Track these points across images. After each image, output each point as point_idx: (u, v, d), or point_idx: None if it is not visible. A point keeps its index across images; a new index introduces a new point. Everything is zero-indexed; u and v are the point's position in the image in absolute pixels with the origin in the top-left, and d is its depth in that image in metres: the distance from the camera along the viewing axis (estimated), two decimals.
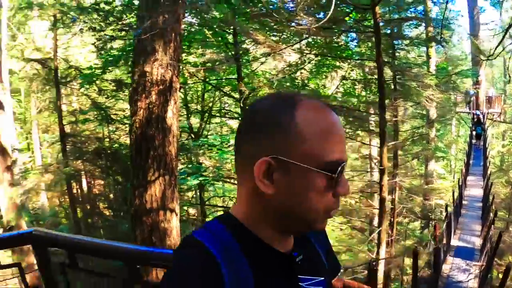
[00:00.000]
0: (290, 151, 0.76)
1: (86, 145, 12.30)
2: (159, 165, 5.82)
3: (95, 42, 9.62)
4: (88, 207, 15.24)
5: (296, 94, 0.83)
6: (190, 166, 8.20)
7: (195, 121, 11.64)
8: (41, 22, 10.56)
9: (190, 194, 13.62)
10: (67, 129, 12.69)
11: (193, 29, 8.62)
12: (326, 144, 0.77)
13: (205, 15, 7.57)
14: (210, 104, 11.44)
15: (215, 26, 7.48)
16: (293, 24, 6.18)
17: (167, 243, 5.79)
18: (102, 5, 8.33)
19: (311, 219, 0.80)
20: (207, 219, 11.34)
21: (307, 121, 0.77)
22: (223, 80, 10.12)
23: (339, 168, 0.77)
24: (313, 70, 10.92)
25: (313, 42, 8.94)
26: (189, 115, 11.15)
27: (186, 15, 8.08)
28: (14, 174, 11.19)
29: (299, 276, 0.87)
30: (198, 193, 11.53)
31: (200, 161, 7.57)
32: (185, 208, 11.32)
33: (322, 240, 1.05)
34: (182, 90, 10.27)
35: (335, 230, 14.31)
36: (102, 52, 9.57)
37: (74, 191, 16.07)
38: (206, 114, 11.00)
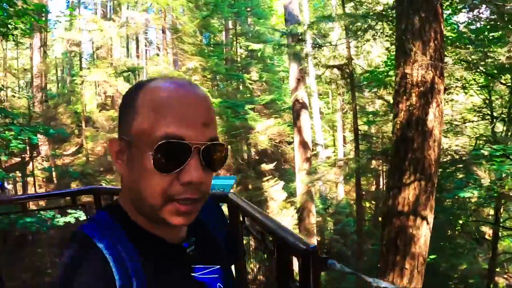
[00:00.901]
0: (129, 131, 0.72)
1: (376, 145, 12.93)
2: (416, 169, 5.68)
3: (388, 47, 10.02)
4: (375, 203, 15.80)
5: (161, 77, 0.77)
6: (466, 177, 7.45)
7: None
8: (340, 31, 11.67)
9: (490, 210, 12.18)
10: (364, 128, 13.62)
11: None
12: (153, 119, 0.69)
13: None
14: None
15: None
16: None
17: (411, 250, 5.58)
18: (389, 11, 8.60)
19: (151, 204, 0.72)
20: (500, 242, 10.00)
21: (142, 99, 0.72)
22: None
23: (158, 145, 0.68)
24: None
25: None
26: (494, 120, 9.99)
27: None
28: (312, 164, 12.87)
29: (192, 266, 0.83)
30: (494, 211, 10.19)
31: (476, 173, 6.77)
32: (471, 224, 10.19)
33: (220, 223, 0.99)
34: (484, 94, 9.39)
35: None
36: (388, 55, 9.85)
37: (373, 188, 16.99)
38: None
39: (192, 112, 0.70)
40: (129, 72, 12.34)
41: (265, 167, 15.04)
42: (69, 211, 8.54)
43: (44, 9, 10.80)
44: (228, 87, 13.82)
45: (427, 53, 5.36)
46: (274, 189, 14.14)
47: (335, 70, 11.76)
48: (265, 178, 14.46)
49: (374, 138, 13.25)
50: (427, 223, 5.69)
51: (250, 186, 14.60)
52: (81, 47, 15.71)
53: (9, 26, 8.58)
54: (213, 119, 0.75)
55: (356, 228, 12.09)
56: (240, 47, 14.60)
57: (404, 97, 5.70)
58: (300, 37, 11.79)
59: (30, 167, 13.38)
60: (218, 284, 0.87)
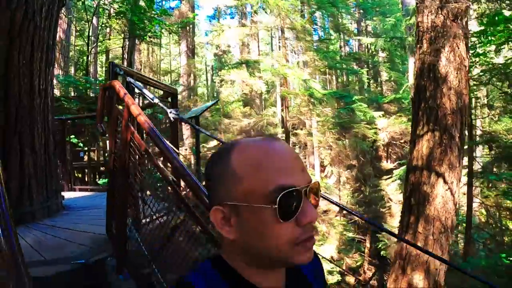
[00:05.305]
0: (233, 195, 0.76)
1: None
2: (429, 119, 5.42)
3: None
4: None
5: (238, 140, 0.83)
6: None
7: None
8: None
9: None
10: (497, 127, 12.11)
11: None
12: (259, 176, 0.74)
13: None
14: None
15: None
16: None
17: (425, 211, 5.20)
18: None
19: (280, 255, 0.76)
20: None
21: (238, 161, 0.77)
22: None
23: (280, 196, 0.72)
24: None
25: None
26: None
27: None
28: None
29: None
30: None
31: None
32: None
33: (316, 268, 1.00)
34: None
35: None
36: None
37: None
38: None
39: (291, 162, 0.77)
40: (270, 75, 13.41)
41: (386, 165, 14.55)
42: None
43: (166, 13, 12.88)
44: (348, 82, 13.96)
45: None
46: (391, 188, 13.58)
47: None
48: (385, 177, 14.01)
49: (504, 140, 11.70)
50: (445, 182, 5.25)
51: (369, 184, 14.33)
52: (219, 50, 18.03)
53: (144, 30, 10.62)
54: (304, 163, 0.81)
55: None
56: (364, 44, 14.68)
57: (418, 45, 5.55)
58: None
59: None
60: None
